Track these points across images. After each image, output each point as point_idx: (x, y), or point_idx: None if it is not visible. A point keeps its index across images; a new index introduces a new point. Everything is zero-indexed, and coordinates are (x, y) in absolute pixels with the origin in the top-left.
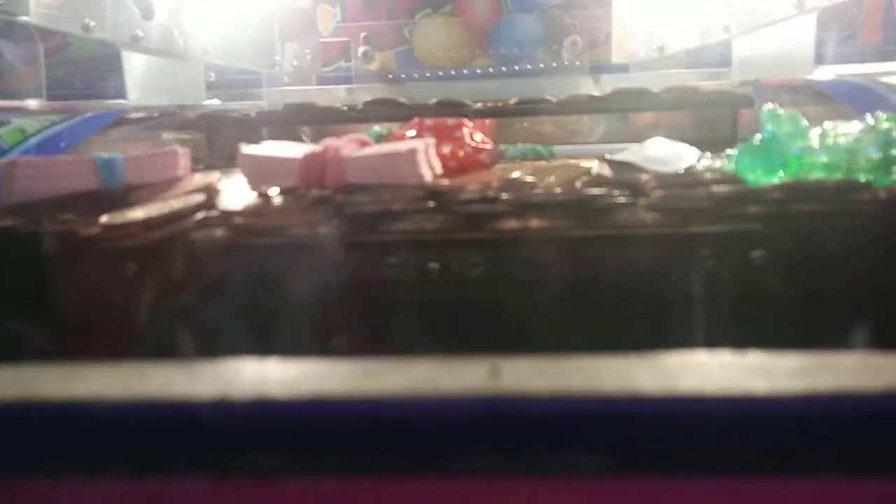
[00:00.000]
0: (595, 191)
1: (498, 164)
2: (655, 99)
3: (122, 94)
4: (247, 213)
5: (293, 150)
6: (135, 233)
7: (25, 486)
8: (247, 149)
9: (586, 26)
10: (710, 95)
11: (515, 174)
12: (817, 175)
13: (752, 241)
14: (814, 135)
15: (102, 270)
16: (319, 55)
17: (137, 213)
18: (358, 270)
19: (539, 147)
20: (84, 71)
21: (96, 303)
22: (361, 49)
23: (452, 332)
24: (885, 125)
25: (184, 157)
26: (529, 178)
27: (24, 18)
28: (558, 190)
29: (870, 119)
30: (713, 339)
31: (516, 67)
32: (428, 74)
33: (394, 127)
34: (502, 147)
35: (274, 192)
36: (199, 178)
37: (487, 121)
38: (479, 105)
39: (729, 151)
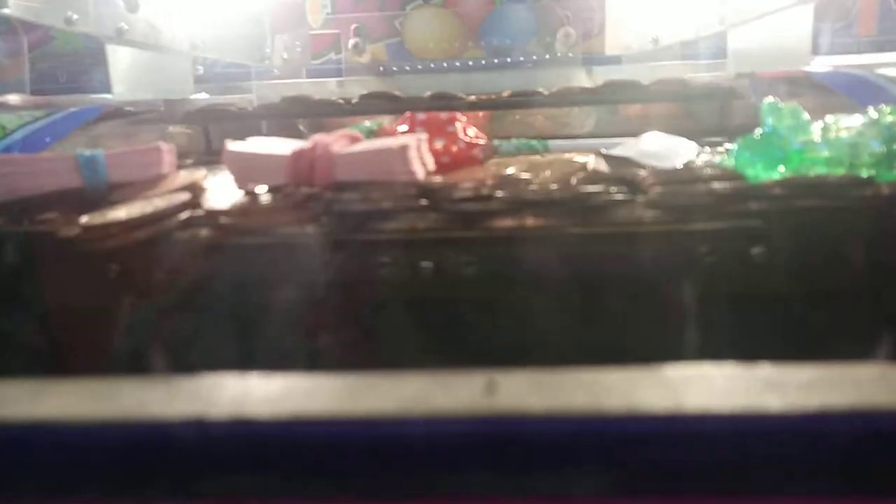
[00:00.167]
0: (591, 188)
1: (492, 159)
2: (646, 91)
3: (107, 87)
4: (233, 212)
5: (281, 146)
6: (116, 233)
7: None
8: (233, 145)
9: (579, 17)
10: (698, 88)
11: (510, 170)
12: (819, 170)
13: (752, 239)
14: (815, 129)
15: (83, 272)
16: (309, 48)
17: (119, 213)
18: (348, 271)
19: (533, 142)
20: (68, 64)
21: (77, 306)
22: (352, 41)
23: (446, 334)
24: (889, 118)
25: (168, 153)
26: (524, 175)
27: (4, 11)
28: (554, 187)
29: (873, 112)
30: (715, 339)
31: (509, 59)
32: (420, 66)
33: (389, 120)
34: (496, 142)
35: (261, 189)
36: (185, 176)
37: (481, 113)
38: (472, 98)
39: (728, 145)
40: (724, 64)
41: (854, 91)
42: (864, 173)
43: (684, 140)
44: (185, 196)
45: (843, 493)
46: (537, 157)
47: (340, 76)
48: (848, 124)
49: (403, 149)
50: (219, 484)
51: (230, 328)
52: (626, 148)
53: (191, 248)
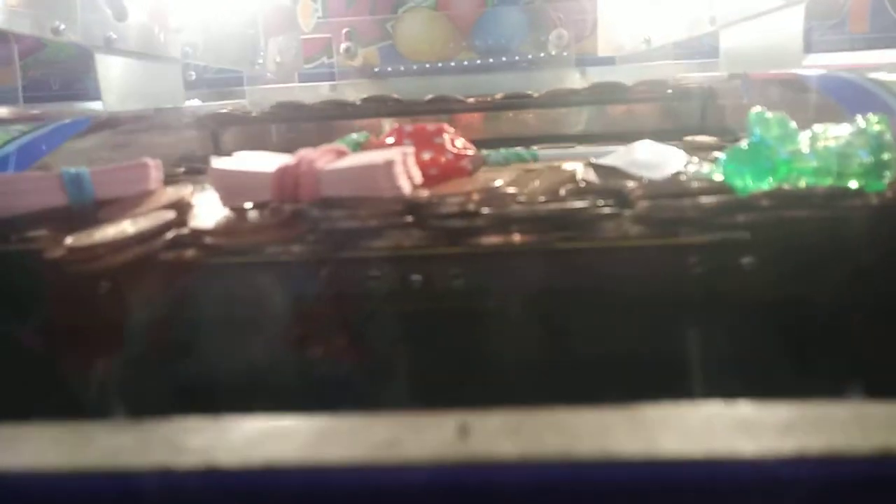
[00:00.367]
0: (578, 203)
1: (480, 170)
2: (629, 92)
3: (99, 95)
4: (217, 231)
5: (266, 162)
6: (102, 255)
7: None
8: (218, 162)
9: (572, 19)
10: (678, 89)
11: (497, 182)
12: (807, 180)
13: (741, 252)
14: (803, 138)
15: (68, 294)
16: (301, 52)
17: (105, 234)
18: (334, 289)
19: (522, 151)
20: (61, 72)
21: (61, 329)
22: (343, 45)
23: (432, 352)
24: (876, 128)
25: (155, 168)
26: (511, 188)
27: None
28: (541, 199)
29: (860, 121)
30: (704, 354)
31: (504, 59)
32: (415, 67)
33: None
34: (485, 152)
35: (247, 207)
36: (171, 192)
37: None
38: (472, 100)
39: (717, 155)
40: (717, 64)
41: (844, 97)
42: (853, 183)
43: (674, 149)
44: (170, 215)
45: None
46: (526, 167)
47: (333, 80)
48: (836, 133)
49: (389, 164)
50: None
51: (215, 347)
52: (616, 156)
53: (176, 269)
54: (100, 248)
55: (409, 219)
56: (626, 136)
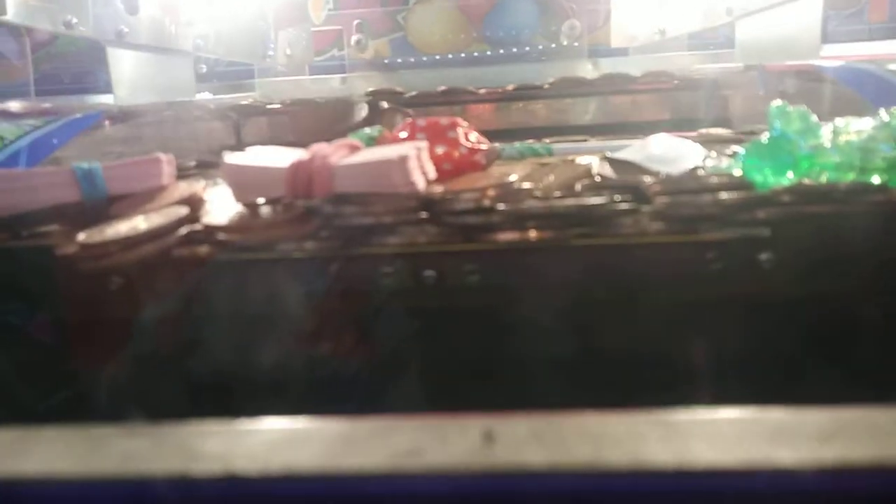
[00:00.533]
0: (595, 199)
1: (495, 163)
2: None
3: (111, 88)
4: (231, 228)
5: (280, 157)
6: (115, 251)
7: None
8: (231, 157)
9: (584, 9)
10: (693, 81)
11: (512, 177)
12: (828, 175)
13: (761, 248)
14: (825, 132)
15: (80, 291)
16: (312, 44)
17: (118, 230)
18: (348, 285)
19: (537, 146)
20: (73, 65)
21: (73, 326)
22: (354, 37)
23: (448, 351)
24: None
25: (168, 164)
26: (527, 184)
27: (2, 18)
28: (557, 194)
29: (884, 114)
30: (726, 354)
31: (514, 50)
32: (425, 59)
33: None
34: (499, 146)
35: (260, 203)
36: (184, 188)
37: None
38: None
39: (733, 148)
40: (733, 54)
41: (864, 88)
42: (876, 178)
43: (689, 143)
44: (183, 210)
45: None
46: (541, 161)
47: (344, 72)
48: (858, 127)
49: (403, 160)
50: None
51: (228, 344)
52: (631, 151)
53: (188, 265)
54: (112, 245)
55: (424, 215)
56: (641, 128)
